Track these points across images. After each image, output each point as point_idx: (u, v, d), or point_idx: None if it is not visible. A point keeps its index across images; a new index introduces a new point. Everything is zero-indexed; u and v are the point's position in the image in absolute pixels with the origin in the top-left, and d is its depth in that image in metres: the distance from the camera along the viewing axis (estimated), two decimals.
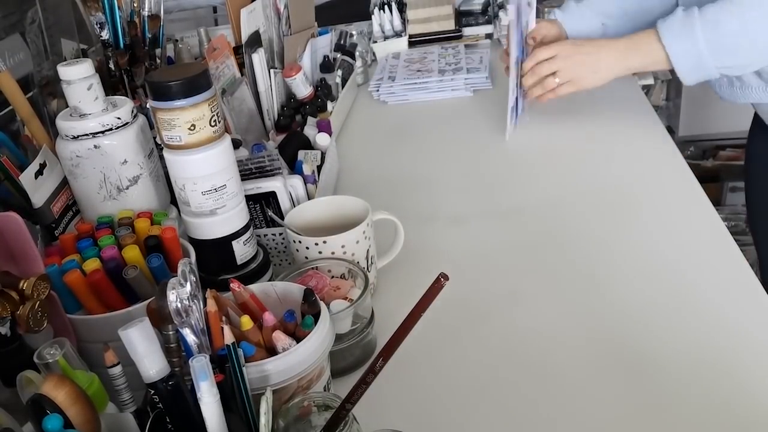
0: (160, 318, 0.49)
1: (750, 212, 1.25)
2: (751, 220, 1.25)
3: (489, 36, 1.55)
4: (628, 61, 0.98)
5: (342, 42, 1.37)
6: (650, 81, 1.98)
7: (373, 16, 1.53)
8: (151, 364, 0.45)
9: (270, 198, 0.80)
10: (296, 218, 0.78)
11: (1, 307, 0.50)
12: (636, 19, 1.08)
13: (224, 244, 0.70)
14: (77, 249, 0.64)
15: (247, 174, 0.82)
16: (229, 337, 0.51)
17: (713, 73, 0.93)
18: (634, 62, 0.98)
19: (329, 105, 1.14)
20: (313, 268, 0.70)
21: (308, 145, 0.95)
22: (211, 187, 0.66)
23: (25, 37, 0.90)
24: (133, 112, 0.71)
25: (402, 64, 1.41)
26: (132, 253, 0.62)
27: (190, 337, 0.49)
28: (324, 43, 1.31)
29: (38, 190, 0.69)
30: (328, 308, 0.60)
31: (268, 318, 0.55)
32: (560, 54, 1.01)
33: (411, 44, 1.53)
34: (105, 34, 0.91)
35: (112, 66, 0.91)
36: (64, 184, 0.72)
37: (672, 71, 0.96)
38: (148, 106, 0.80)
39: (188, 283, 0.49)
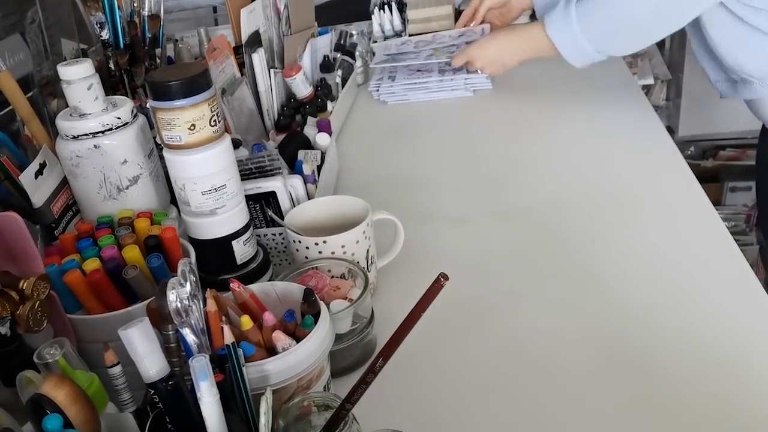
0: (160, 318, 0.49)
1: (761, 213, 1.26)
2: (762, 222, 1.26)
3: None
4: (527, 51, 1.15)
5: (342, 42, 1.37)
6: (650, 81, 1.98)
7: (373, 16, 1.53)
8: (151, 364, 0.45)
9: (270, 198, 0.80)
10: (296, 218, 0.78)
11: (1, 307, 0.50)
12: None
13: (224, 244, 0.70)
14: (77, 249, 0.64)
15: (247, 174, 0.82)
16: (229, 337, 0.51)
17: (597, 57, 1.05)
18: (531, 51, 1.14)
19: (329, 105, 1.14)
20: (313, 268, 0.70)
21: (308, 145, 0.95)
22: (211, 187, 0.66)
23: (25, 37, 0.90)
24: (133, 112, 0.71)
25: (396, 49, 1.41)
26: (132, 253, 0.62)
27: (190, 337, 0.49)
28: (324, 43, 1.31)
29: (38, 190, 0.69)
30: (328, 308, 0.60)
31: (268, 318, 0.55)
32: (473, 57, 1.23)
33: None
34: (105, 34, 0.91)
35: (112, 66, 0.91)
36: (64, 184, 0.72)
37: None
38: (148, 105, 0.80)
39: (188, 283, 0.49)
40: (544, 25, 1.08)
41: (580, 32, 1.03)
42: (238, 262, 0.72)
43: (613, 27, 1.02)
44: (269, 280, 0.73)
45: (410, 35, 1.51)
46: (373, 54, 1.49)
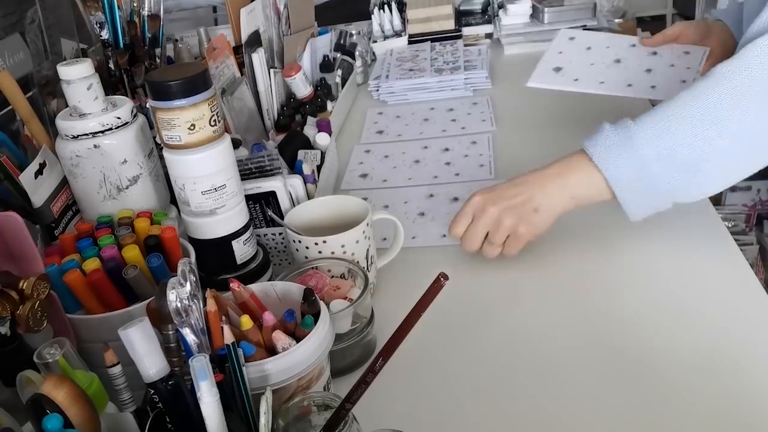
0: (160, 318, 0.49)
1: None
2: None
3: (489, 36, 1.56)
4: (571, 192, 0.75)
5: (342, 42, 1.37)
6: None
7: (372, 16, 1.53)
8: (151, 363, 0.45)
9: (270, 198, 0.80)
10: (296, 218, 0.78)
11: (1, 307, 0.50)
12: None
13: (224, 243, 0.70)
14: (77, 249, 0.64)
15: (247, 174, 0.82)
16: (229, 337, 0.51)
17: (666, 204, 0.73)
18: (579, 191, 0.75)
19: (329, 105, 1.14)
20: (313, 268, 0.70)
21: (308, 144, 0.95)
22: (210, 187, 0.66)
23: (25, 37, 0.90)
24: (132, 111, 0.71)
25: (395, 62, 1.41)
26: (132, 253, 0.62)
27: (190, 337, 0.49)
28: (324, 43, 1.31)
29: (38, 189, 0.69)
30: (328, 308, 0.60)
31: (268, 318, 0.55)
32: (484, 208, 0.77)
33: (411, 44, 1.52)
34: (105, 34, 0.91)
35: (111, 66, 0.91)
36: (64, 183, 0.72)
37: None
38: (147, 105, 0.80)
39: (188, 283, 0.49)
40: (588, 154, 0.73)
41: (655, 160, 0.69)
42: (238, 261, 0.72)
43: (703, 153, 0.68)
44: (269, 280, 0.73)
45: (410, 35, 1.51)
46: (374, 54, 1.50)
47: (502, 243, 0.77)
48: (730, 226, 2.07)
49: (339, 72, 1.28)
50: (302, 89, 1.12)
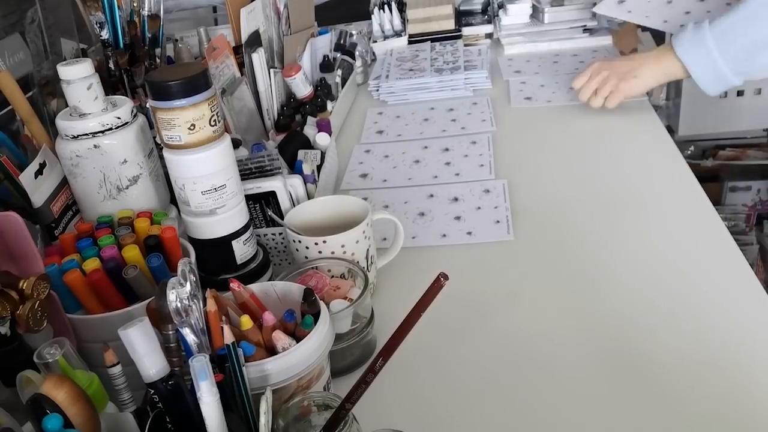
0: (160, 318, 0.49)
1: None
2: None
3: (489, 36, 1.55)
4: (658, 72, 1.05)
5: (342, 42, 1.37)
6: None
7: (372, 16, 1.53)
8: (151, 363, 0.45)
9: (270, 198, 0.80)
10: (296, 218, 0.78)
11: (1, 306, 0.50)
12: None
13: (224, 243, 0.70)
14: (77, 249, 0.64)
15: (247, 174, 0.82)
16: (229, 337, 0.51)
17: (735, 81, 0.97)
18: (663, 73, 1.05)
19: (329, 105, 1.14)
20: (313, 268, 0.70)
21: (308, 144, 0.95)
22: (210, 187, 0.66)
23: (25, 37, 0.90)
24: (132, 111, 0.71)
25: (395, 62, 1.41)
26: (132, 253, 0.62)
27: (190, 337, 0.49)
28: (324, 43, 1.31)
29: (38, 189, 0.69)
30: (328, 308, 0.60)
31: (268, 318, 0.55)
32: (599, 71, 1.10)
33: (411, 44, 1.52)
34: (105, 34, 0.91)
35: (111, 66, 0.91)
36: (64, 183, 0.72)
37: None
38: (147, 105, 0.80)
39: (188, 283, 0.49)
40: (673, 48, 1.01)
41: (718, 55, 0.96)
42: (238, 261, 0.72)
43: (755, 46, 0.94)
44: (269, 280, 0.73)
45: (410, 35, 1.51)
46: (374, 54, 1.50)
47: (605, 96, 1.08)
48: (730, 226, 2.07)
49: (339, 72, 1.28)
50: (302, 89, 1.12)
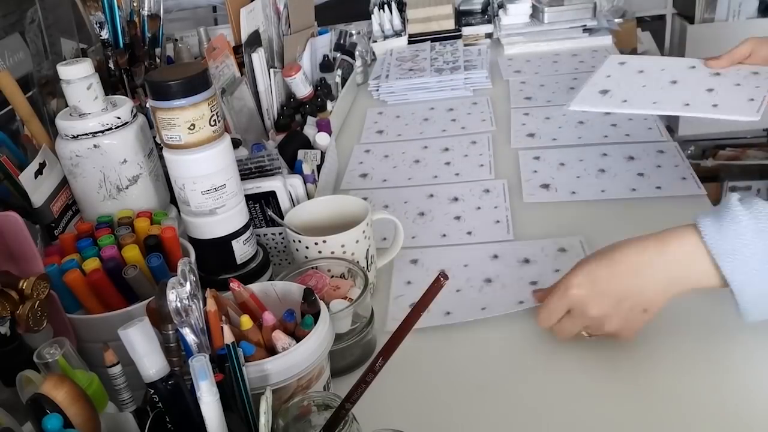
0: (160, 317, 0.49)
1: None
2: None
3: (489, 35, 1.56)
4: (670, 286, 0.61)
5: (342, 41, 1.37)
6: None
7: (372, 16, 1.53)
8: (151, 363, 0.45)
9: (270, 197, 0.80)
10: (296, 218, 0.78)
11: (1, 306, 0.50)
12: None
13: (224, 243, 0.70)
14: (77, 249, 0.64)
15: (246, 174, 0.82)
16: (228, 337, 0.51)
17: None
18: (676, 284, 0.61)
19: (329, 104, 1.14)
20: (312, 268, 0.70)
21: (308, 144, 0.95)
22: (210, 187, 0.66)
23: (25, 37, 0.90)
24: (132, 111, 0.71)
25: (394, 62, 1.41)
26: (132, 253, 0.62)
27: (190, 337, 0.49)
28: (324, 43, 1.31)
29: (38, 189, 0.69)
30: (328, 308, 0.60)
31: (268, 317, 0.55)
32: (580, 314, 0.63)
33: (411, 44, 1.52)
34: (104, 34, 0.91)
35: (111, 65, 0.91)
36: (64, 183, 0.72)
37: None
38: (147, 105, 0.80)
39: (188, 283, 0.49)
40: (700, 234, 0.59)
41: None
42: (238, 261, 0.72)
43: None
44: (269, 280, 0.73)
45: (410, 35, 1.51)
46: (374, 54, 1.50)
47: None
48: None
49: (339, 72, 1.28)
50: (302, 89, 1.12)
